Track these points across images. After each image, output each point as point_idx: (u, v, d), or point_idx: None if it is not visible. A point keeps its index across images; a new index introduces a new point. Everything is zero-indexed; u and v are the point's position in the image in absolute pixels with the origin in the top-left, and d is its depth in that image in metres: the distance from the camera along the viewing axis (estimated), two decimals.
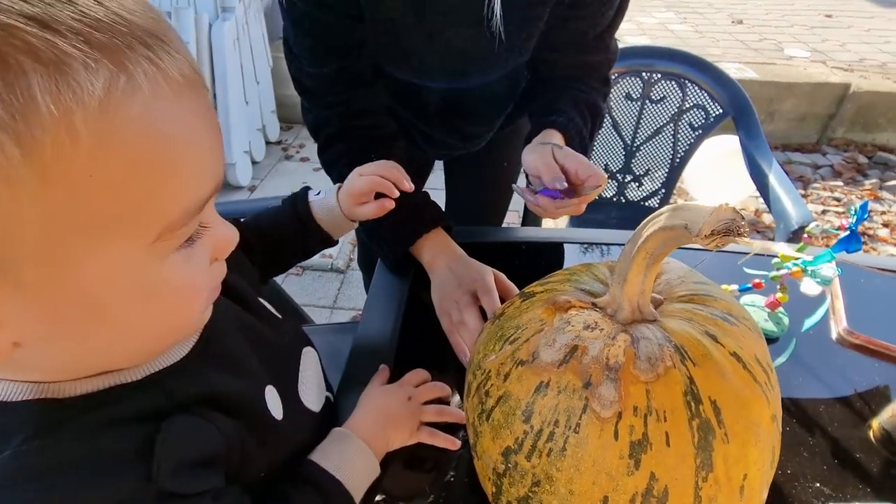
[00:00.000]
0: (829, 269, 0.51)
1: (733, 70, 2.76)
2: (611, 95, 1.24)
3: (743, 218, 0.22)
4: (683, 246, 0.24)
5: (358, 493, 0.38)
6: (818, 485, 0.44)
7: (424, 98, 0.69)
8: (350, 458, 0.39)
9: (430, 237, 0.62)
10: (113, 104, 0.20)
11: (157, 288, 0.25)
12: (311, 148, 2.54)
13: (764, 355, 0.28)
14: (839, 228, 0.52)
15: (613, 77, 1.21)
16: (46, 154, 0.19)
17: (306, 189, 0.55)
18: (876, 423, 0.51)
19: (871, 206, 2.32)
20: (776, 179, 1.08)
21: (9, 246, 0.20)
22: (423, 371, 0.51)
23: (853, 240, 0.49)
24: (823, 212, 2.28)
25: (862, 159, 2.65)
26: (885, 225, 2.20)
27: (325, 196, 0.54)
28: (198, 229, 0.26)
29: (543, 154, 0.53)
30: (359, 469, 0.39)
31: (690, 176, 2.22)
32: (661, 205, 1.33)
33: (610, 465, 0.25)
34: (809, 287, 0.54)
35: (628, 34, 3.37)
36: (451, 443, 0.44)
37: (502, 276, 0.59)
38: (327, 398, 0.48)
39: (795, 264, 0.52)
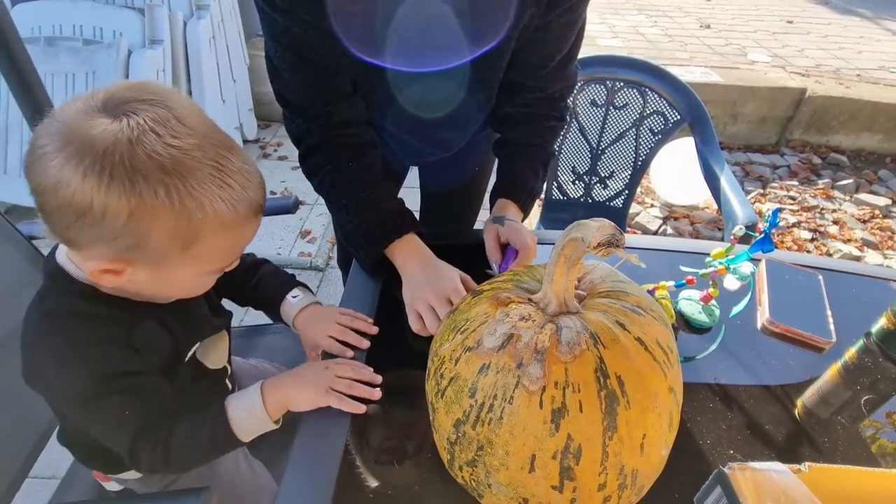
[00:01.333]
0: (747, 267, 0.59)
1: (699, 74, 2.89)
2: (577, 102, 1.31)
3: (622, 233, 0.29)
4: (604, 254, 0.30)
5: (243, 434, 0.52)
6: (732, 451, 0.51)
7: (401, 107, 0.72)
8: (247, 405, 0.52)
9: (402, 241, 0.68)
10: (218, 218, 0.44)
11: (198, 282, 0.51)
12: (289, 147, 2.55)
13: (666, 340, 0.35)
14: (757, 232, 0.59)
15: (580, 84, 1.28)
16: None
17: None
18: (800, 403, 0.59)
19: (823, 204, 2.46)
20: (727, 182, 1.16)
21: (163, 254, 0.44)
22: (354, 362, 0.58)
23: (766, 241, 0.56)
24: (780, 209, 2.41)
25: (816, 160, 2.81)
26: (835, 222, 2.35)
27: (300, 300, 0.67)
28: None
29: (489, 235, 0.70)
30: (248, 416, 0.52)
31: (658, 176, 2.33)
32: (624, 205, 1.42)
33: (536, 428, 0.31)
34: (731, 283, 0.61)
35: (600, 37, 3.47)
36: (356, 407, 0.51)
37: (468, 278, 0.65)
38: (226, 367, 0.65)
39: (721, 263, 0.60)
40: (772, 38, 3.69)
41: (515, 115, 0.76)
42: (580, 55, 0.75)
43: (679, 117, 1.28)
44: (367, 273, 0.71)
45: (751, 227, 1.03)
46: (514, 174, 0.76)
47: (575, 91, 1.14)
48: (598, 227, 0.29)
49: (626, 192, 1.39)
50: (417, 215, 0.77)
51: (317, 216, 2.09)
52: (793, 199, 2.50)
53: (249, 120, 2.49)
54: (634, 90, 1.29)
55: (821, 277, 0.72)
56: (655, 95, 1.28)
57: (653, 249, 0.79)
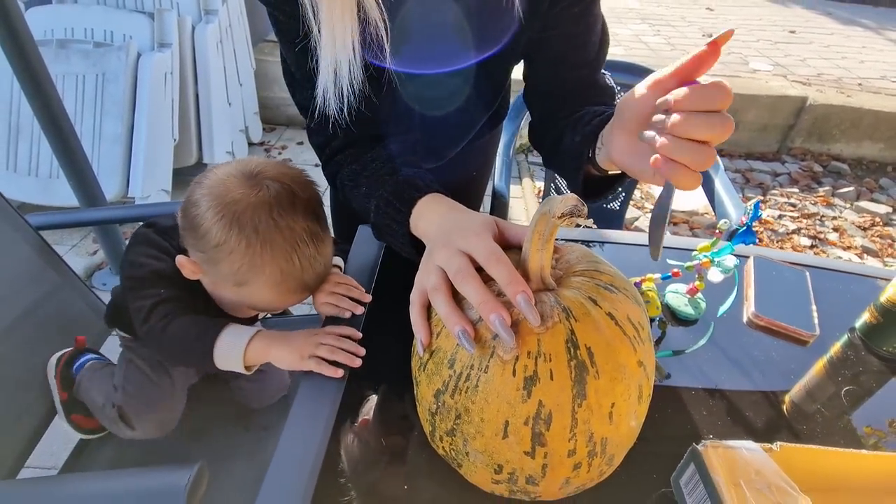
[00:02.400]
0: (730, 261, 0.60)
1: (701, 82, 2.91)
2: None
3: (584, 204, 0.31)
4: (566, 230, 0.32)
5: (218, 359, 0.59)
6: (711, 436, 0.53)
7: (402, 104, 0.70)
8: (233, 341, 0.59)
9: (423, 204, 0.53)
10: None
11: (241, 307, 0.71)
12: (293, 150, 2.59)
13: (637, 317, 0.36)
14: (741, 225, 0.60)
15: None
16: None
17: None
18: (787, 398, 0.60)
19: (824, 211, 2.47)
20: (720, 184, 1.18)
21: (223, 280, 0.61)
22: (345, 327, 0.59)
23: (749, 234, 0.57)
24: (780, 216, 2.42)
25: (817, 168, 2.82)
26: (835, 229, 2.35)
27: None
28: None
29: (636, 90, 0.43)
30: (228, 349, 0.59)
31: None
32: (621, 207, 1.43)
33: (510, 395, 0.33)
34: (715, 275, 0.63)
35: None
36: (334, 371, 0.52)
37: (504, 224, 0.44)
38: None
39: (705, 256, 0.61)
40: (774, 47, 3.72)
41: (565, 120, 0.66)
42: None
43: None
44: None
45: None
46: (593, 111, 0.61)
47: None
48: (561, 200, 0.31)
49: (623, 194, 1.41)
50: None
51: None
52: (793, 206, 2.50)
53: (255, 123, 2.53)
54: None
55: (807, 274, 0.73)
56: None
57: (642, 245, 0.80)
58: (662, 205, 0.42)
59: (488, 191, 1.09)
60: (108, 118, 1.79)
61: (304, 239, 0.57)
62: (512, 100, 0.94)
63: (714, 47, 0.36)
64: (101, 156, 1.80)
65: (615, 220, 1.43)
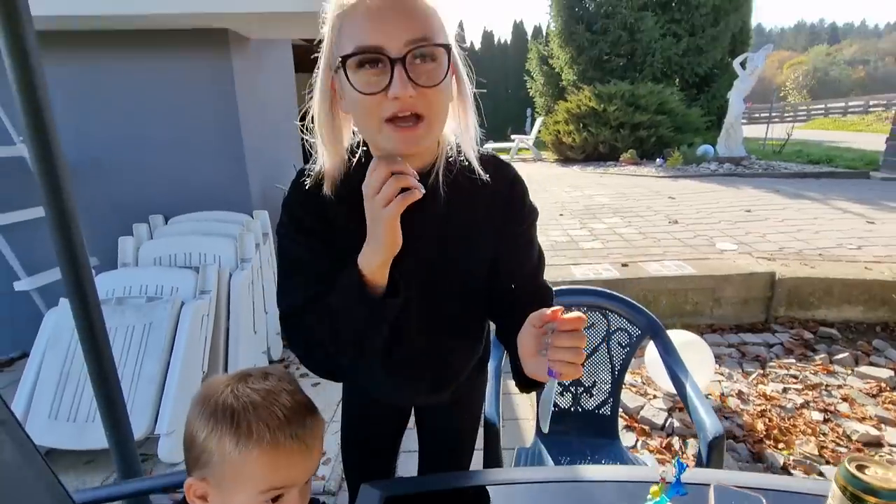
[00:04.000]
0: None
1: (674, 267, 3.24)
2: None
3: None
4: None
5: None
6: None
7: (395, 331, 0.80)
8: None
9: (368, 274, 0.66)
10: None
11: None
12: None
13: None
14: (685, 462, 0.71)
15: None
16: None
17: None
18: None
19: (827, 380, 2.50)
20: (692, 391, 1.30)
21: (226, 479, 0.61)
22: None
23: (678, 486, 0.69)
24: (784, 390, 2.45)
25: (808, 335, 2.94)
26: (844, 399, 2.35)
27: None
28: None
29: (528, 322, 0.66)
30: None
31: (655, 367, 2.44)
32: (612, 413, 1.53)
33: None
34: None
35: (582, 240, 3.99)
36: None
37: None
38: None
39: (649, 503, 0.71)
40: (734, 227, 4.20)
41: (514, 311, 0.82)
42: (554, 287, 0.92)
43: (640, 332, 1.49)
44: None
45: (717, 439, 1.13)
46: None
47: None
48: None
49: (611, 399, 1.52)
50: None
51: (332, 434, 2.18)
52: (794, 377, 2.55)
53: (276, 342, 2.79)
54: (598, 312, 1.53)
55: (764, 500, 0.81)
56: (616, 315, 1.51)
57: (599, 481, 0.89)
58: (548, 390, 0.67)
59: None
60: (148, 360, 2.03)
61: (276, 436, 0.60)
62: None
63: (555, 314, 0.62)
64: (136, 395, 1.98)
65: (609, 425, 1.52)
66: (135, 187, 2.62)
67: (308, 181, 0.74)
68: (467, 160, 0.76)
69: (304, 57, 4.99)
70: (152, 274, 2.30)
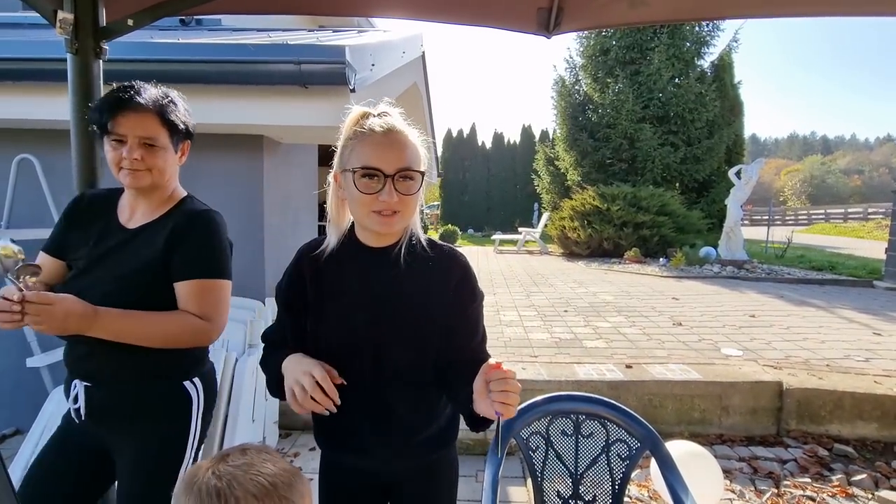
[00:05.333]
0: None
1: (679, 371, 3.21)
2: (550, 431, 1.55)
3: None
4: None
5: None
6: None
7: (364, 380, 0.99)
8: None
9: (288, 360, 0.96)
10: None
11: None
12: (305, 456, 2.70)
13: None
14: None
15: (549, 417, 1.54)
16: None
17: None
18: None
19: None
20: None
21: None
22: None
23: None
24: None
25: (822, 452, 2.82)
26: None
27: None
28: None
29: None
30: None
31: (661, 480, 2.34)
32: None
33: None
34: None
35: (586, 338, 3.99)
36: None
37: (330, 368, 0.93)
38: None
39: None
40: (739, 332, 4.19)
41: (459, 373, 1.00)
42: (551, 393, 1.19)
43: (639, 444, 1.48)
44: None
45: None
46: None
47: (547, 422, 1.42)
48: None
49: None
50: None
51: None
52: (812, 499, 2.41)
53: (272, 431, 2.73)
54: (596, 422, 1.54)
55: None
56: (614, 426, 1.52)
57: None
58: (496, 424, 0.87)
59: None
60: None
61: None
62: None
63: (497, 366, 0.84)
64: None
65: None
66: None
67: (310, 253, 1.04)
68: (422, 242, 1.03)
69: (328, 152, 5.41)
70: None
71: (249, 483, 0.60)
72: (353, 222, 1.04)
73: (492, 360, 0.86)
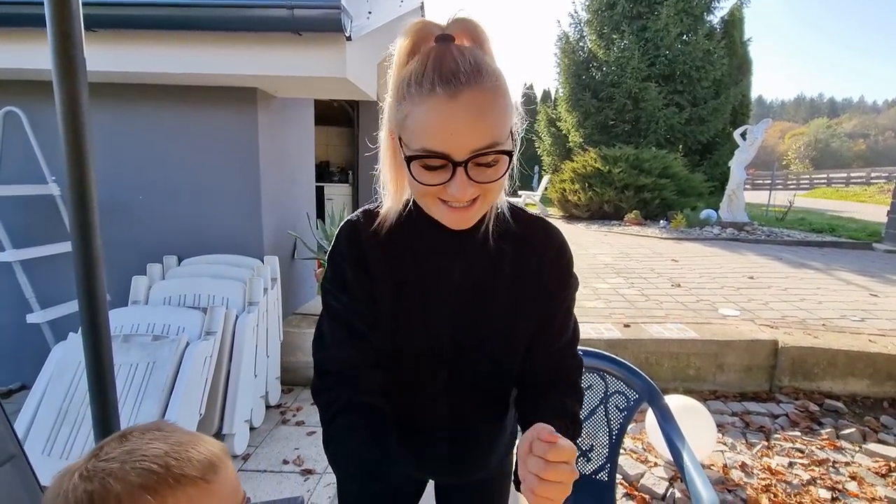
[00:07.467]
0: None
1: (676, 331, 3.24)
2: None
3: None
4: None
5: None
6: None
7: (428, 395, 0.81)
8: None
9: None
10: None
11: None
12: (308, 411, 2.76)
13: None
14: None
15: None
16: None
17: None
18: None
19: (834, 457, 2.43)
20: (689, 460, 1.30)
21: None
22: None
23: None
24: (790, 464, 2.38)
25: (813, 407, 2.88)
26: (853, 477, 2.28)
27: None
28: None
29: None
30: None
31: (656, 434, 2.40)
32: (609, 478, 1.51)
33: None
34: None
35: (585, 299, 4.01)
36: None
37: None
38: None
39: None
40: (737, 293, 4.22)
41: (533, 385, 0.81)
42: None
43: (637, 396, 1.50)
44: None
45: None
46: (540, 412, 0.72)
47: None
48: None
49: (609, 465, 1.51)
50: None
51: (323, 487, 2.13)
52: (800, 451, 2.48)
53: (275, 387, 2.78)
54: (596, 375, 1.55)
55: None
56: (613, 378, 1.53)
57: None
58: None
59: None
60: (147, 400, 2.04)
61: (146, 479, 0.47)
62: None
63: (551, 439, 0.57)
64: None
65: (606, 491, 1.49)
66: (153, 229, 2.73)
67: (356, 224, 0.77)
68: (505, 212, 0.77)
69: (325, 111, 5.27)
70: (161, 313, 2.35)
71: (132, 473, 0.46)
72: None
73: (545, 433, 0.58)
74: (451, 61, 0.59)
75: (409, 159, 0.63)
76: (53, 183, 2.54)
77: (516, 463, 0.63)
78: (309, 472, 2.18)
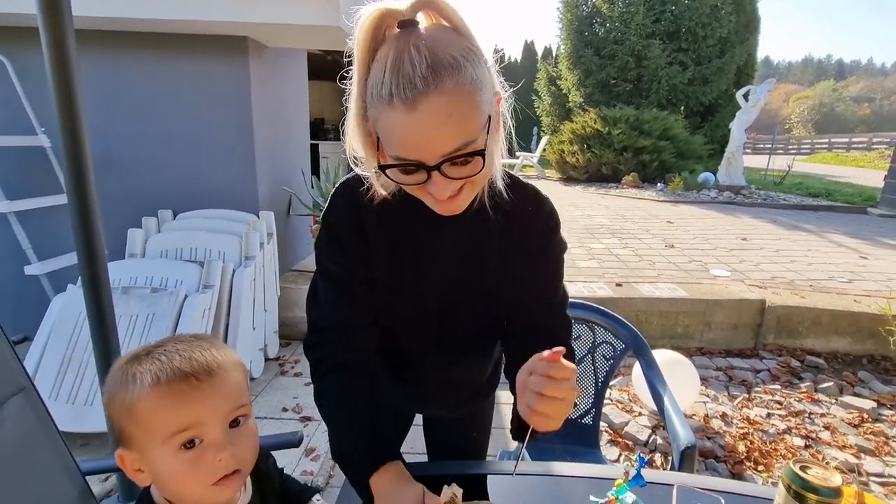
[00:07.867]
0: (629, 497, 0.76)
1: (667, 290, 3.30)
2: None
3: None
4: None
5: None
6: None
7: (420, 358, 0.88)
8: None
9: (384, 471, 0.69)
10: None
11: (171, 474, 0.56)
12: (305, 364, 2.84)
13: None
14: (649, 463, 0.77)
15: None
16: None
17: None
18: None
19: (811, 408, 2.55)
20: (669, 404, 1.36)
21: (135, 440, 0.56)
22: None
23: (638, 478, 0.75)
24: (768, 415, 2.49)
25: (795, 363, 2.99)
26: (827, 427, 2.40)
27: None
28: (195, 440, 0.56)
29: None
30: None
31: (641, 384, 2.50)
32: (594, 422, 1.59)
33: None
34: None
35: (579, 259, 4.06)
36: None
37: (434, 497, 0.65)
38: None
39: (610, 494, 0.77)
40: (729, 254, 4.27)
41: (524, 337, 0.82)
42: None
43: (624, 346, 1.55)
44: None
45: (689, 448, 1.19)
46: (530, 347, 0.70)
47: None
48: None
49: (594, 410, 1.58)
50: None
51: (322, 433, 2.23)
52: (779, 403, 2.59)
53: (273, 340, 2.84)
54: (584, 325, 1.60)
55: (722, 500, 0.87)
56: (602, 329, 1.58)
57: (573, 476, 0.95)
58: (524, 440, 0.67)
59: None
60: None
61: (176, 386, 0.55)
62: None
63: (554, 357, 0.59)
64: None
65: (590, 434, 1.57)
66: (147, 182, 2.71)
67: (352, 187, 0.76)
68: (499, 184, 0.76)
69: (319, 65, 5.12)
70: (158, 266, 2.37)
71: (150, 361, 0.56)
72: None
73: (547, 353, 0.60)
74: (407, 64, 0.55)
75: (382, 168, 0.63)
76: (43, 134, 2.50)
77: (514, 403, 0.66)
78: (308, 418, 2.27)
